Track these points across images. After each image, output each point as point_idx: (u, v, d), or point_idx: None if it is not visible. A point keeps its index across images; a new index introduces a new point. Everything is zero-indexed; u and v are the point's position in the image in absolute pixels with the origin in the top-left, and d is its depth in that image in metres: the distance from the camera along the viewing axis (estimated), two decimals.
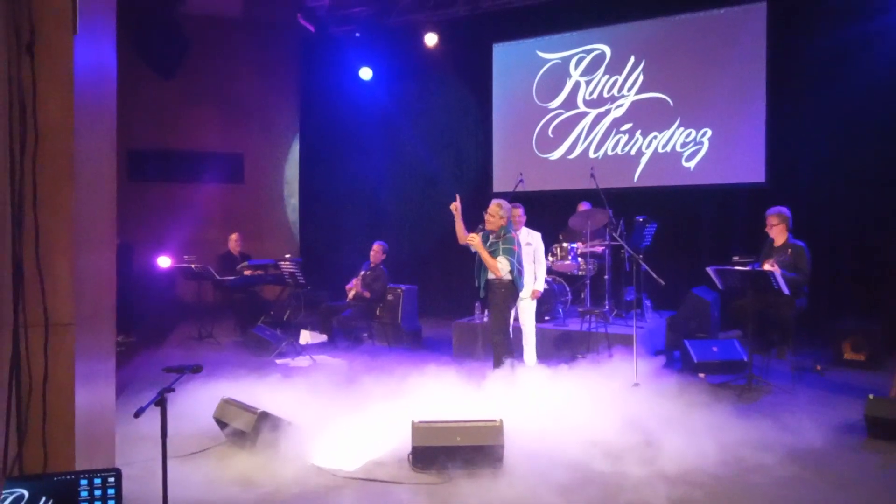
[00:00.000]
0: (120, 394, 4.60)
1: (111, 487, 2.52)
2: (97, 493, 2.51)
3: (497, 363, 6.01)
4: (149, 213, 11.31)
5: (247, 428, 4.53)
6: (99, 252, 3.21)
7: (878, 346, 7.03)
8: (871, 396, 4.92)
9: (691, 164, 9.23)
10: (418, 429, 4.27)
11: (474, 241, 5.95)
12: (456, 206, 6.07)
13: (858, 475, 4.13)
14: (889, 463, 4.36)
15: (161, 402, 3.09)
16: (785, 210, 6.61)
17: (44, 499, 2.48)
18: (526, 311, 6.77)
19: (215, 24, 11.73)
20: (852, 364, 6.99)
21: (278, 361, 7.64)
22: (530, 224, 7.09)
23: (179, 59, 11.56)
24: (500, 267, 5.94)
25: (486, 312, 6.19)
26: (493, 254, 5.94)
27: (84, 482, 2.51)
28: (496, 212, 6.05)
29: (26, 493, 2.46)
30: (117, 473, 2.57)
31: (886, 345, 7.18)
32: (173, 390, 3.17)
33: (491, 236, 6.03)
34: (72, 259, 2.90)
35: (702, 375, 6.57)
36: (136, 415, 2.85)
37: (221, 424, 4.80)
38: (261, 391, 5.47)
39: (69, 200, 2.91)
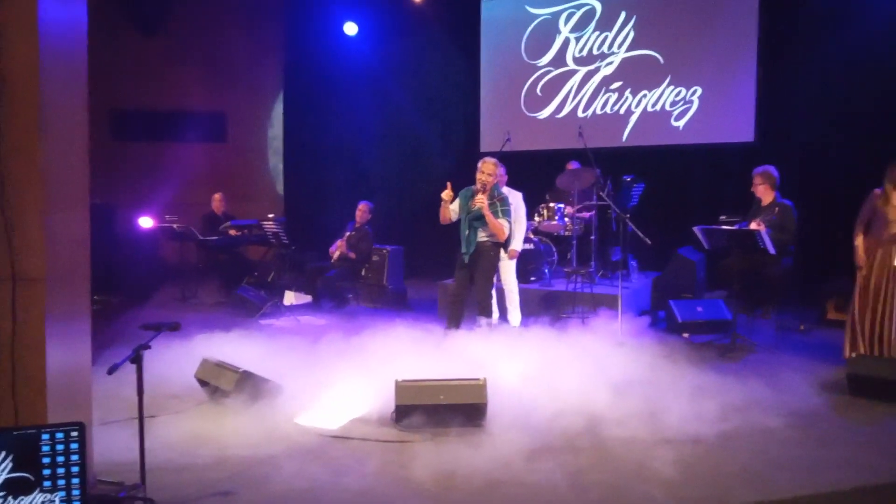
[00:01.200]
0: (101, 353, 4.56)
1: (74, 441, 2.47)
2: (59, 447, 2.45)
3: (485, 324, 6.02)
4: (131, 173, 11.15)
5: (229, 387, 4.49)
6: (72, 208, 3.12)
7: None
8: (852, 354, 4.95)
9: (680, 124, 9.14)
10: (402, 387, 4.25)
11: (484, 203, 5.84)
12: (448, 195, 5.96)
13: (841, 432, 4.15)
14: (871, 419, 4.40)
15: (137, 360, 3.04)
16: (771, 169, 6.56)
17: (3, 453, 2.42)
18: (507, 270, 6.76)
19: None
20: (835, 324, 7.02)
21: (262, 322, 7.59)
22: (518, 184, 7.02)
23: (162, 15, 11.28)
24: (504, 228, 5.91)
25: (472, 277, 6.10)
26: (494, 215, 5.88)
27: (46, 436, 2.45)
28: (493, 170, 5.98)
29: None
30: (80, 427, 2.51)
31: None
32: (149, 347, 3.12)
33: (482, 196, 5.91)
34: (41, 212, 2.82)
35: (686, 335, 6.59)
36: (110, 371, 2.80)
37: (203, 384, 4.76)
38: (244, 351, 5.41)
39: (37, 151, 2.82)
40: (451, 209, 6.12)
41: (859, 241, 5.62)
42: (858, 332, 5.44)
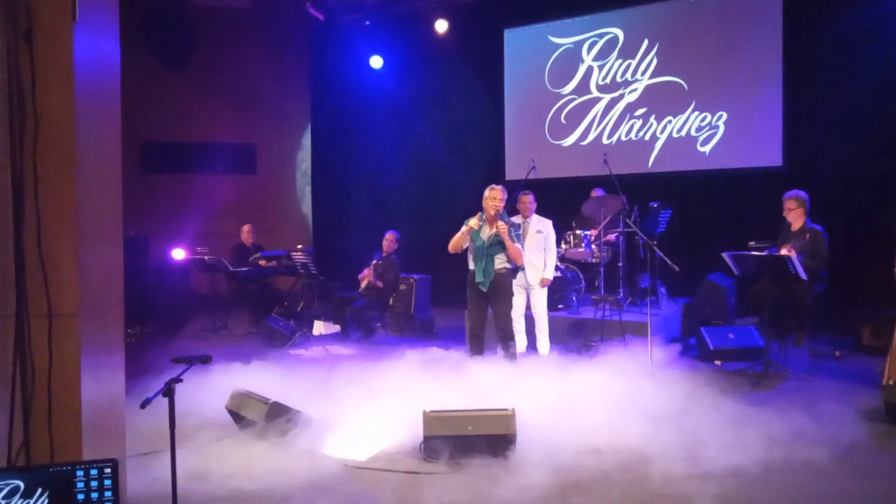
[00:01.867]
0: (133, 385, 4.61)
1: (107, 478, 2.50)
2: (93, 483, 2.49)
3: (510, 353, 5.98)
4: (162, 206, 11.36)
5: (259, 418, 4.52)
6: (105, 243, 3.18)
7: None
8: (890, 382, 4.83)
9: (706, 149, 9.09)
10: (430, 418, 4.23)
11: (504, 229, 5.83)
12: (477, 223, 5.93)
13: (879, 463, 4.04)
14: None
15: (169, 393, 3.07)
16: (803, 193, 6.49)
17: (39, 490, 2.46)
18: (538, 298, 6.74)
19: (224, 15, 11.71)
20: (872, 350, 6.85)
21: (292, 352, 7.63)
22: (543, 211, 7.02)
23: (189, 52, 11.57)
24: (522, 253, 5.91)
25: (488, 307, 6.08)
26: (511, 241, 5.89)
27: (80, 473, 2.49)
28: (502, 196, 5.97)
29: (22, 485, 2.44)
30: (114, 464, 2.55)
31: None
32: (181, 381, 3.15)
33: (502, 223, 5.90)
34: (76, 249, 2.87)
35: (718, 363, 6.48)
36: (143, 405, 2.83)
37: (234, 415, 4.79)
38: (274, 382, 5.46)
39: (72, 189, 2.88)
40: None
41: None
42: None
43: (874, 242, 7.85)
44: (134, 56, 11.21)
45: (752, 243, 6.63)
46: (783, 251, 6.09)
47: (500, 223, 5.84)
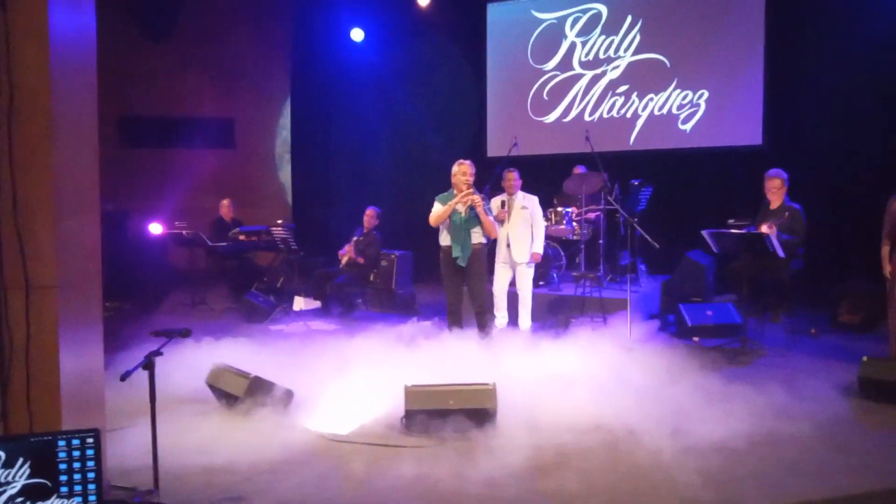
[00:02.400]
0: (112, 359, 4.58)
1: (90, 448, 2.49)
2: (76, 453, 2.48)
3: (486, 326, 6.02)
4: (140, 180, 11.20)
5: (239, 393, 4.51)
6: (83, 215, 3.14)
7: (873, 309, 6.99)
8: (865, 358, 4.92)
9: (688, 127, 9.13)
10: (411, 392, 4.25)
11: (479, 202, 5.83)
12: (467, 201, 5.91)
13: (856, 437, 4.12)
14: (883, 423, 4.37)
15: (149, 366, 3.06)
16: (782, 172, 6.55)
17: (21, 460, 2.45)
18: (524, 276, 6.76)
19: None
20: (847, 327, 6.98)
21: (272, 328, 7.61)
22: (525, 188, 7.02)
23: (170, 23, 11.35)
24: (496, 226, 5.91)
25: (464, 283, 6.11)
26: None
27: (62, 443, 2.48)
28: (472, 171, 5.97)
29: (3, 455, 2.43)
30: (96, 433, 2.54)
31: (881, 307, 7.15)
32: (161, 354, 3.13)
33: (477, 196, 5.92)
34: (54, 221, 2.84)
35: (696, 339, 6.57)
36: (123, 378, 2.82)
37: (214, 390, 4.78)
38: (254, 357, 5.45)
39: (49, 161, 2.84)
40: None
41: (885, 251, 5.56)
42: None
43: (851, 221, 7.96)
44: (113, 27, 11.04)
45: (730, 221, 6.68)
46: (763, 228, 6.15)
47: (476, 195, 5.86)
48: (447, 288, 6.12)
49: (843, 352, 6.06)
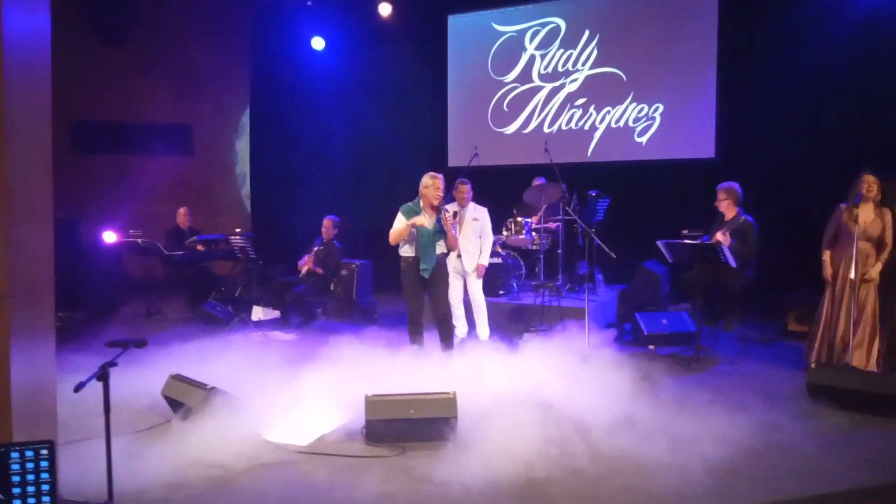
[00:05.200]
0: (66, 369, 4.47)
1: (44, 460, 2.44)
2: (29, 465, 2.42)
3: (448, 336, 6.04)
4: (95, 187, 10.96)
5: (197, 404, 4.44)
6: (35, 222, 3.09)
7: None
8: (812, 365, 5.08)
9: (643, 139, 9.32)
10: (372, 402, 4.25)
11: (449, 219, 5.84)
12: (422, 221, 5.88)
13: (800, 441, 4.24)
14: (828, 428, 4.51)
15: (103, 377, 3.00)
16: (735, 185, 6.71)
17: None
18: (474, 284, 6.85)
19: None
20: (796, 335, 7.19)
21: (230, 338, 7.50)
22: (486, 198, 7.09)
23: (127, 25, 11.15)
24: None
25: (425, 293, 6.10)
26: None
27: (15, 455, 2.41)
28: (443, 185, 5.98)
29: None
30: (50, 445, 2.49)
31: None
32: (116, 364, 3.08)
33: (448, 212, 5.95)
34: (6, 228, 2.78)
35: (651, 347, 6.70)
36: (76, 389, 2.76)
37: (171, 401, 4.70)
38: (211, 368, 5.35)
39: (1, 166, 2.78)
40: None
41: (826, 256, 5.81)
42: (825, 342, 5.64)
43: (801, 232, 8.18)
44: (68, 29, 10.82)
45: (685, 232, 6.84)
46: (718, 236, 6.32)
47: (448, 212, 5.90)
48: (408, 297, 6.10)
49: (791, 359, 6.25)
